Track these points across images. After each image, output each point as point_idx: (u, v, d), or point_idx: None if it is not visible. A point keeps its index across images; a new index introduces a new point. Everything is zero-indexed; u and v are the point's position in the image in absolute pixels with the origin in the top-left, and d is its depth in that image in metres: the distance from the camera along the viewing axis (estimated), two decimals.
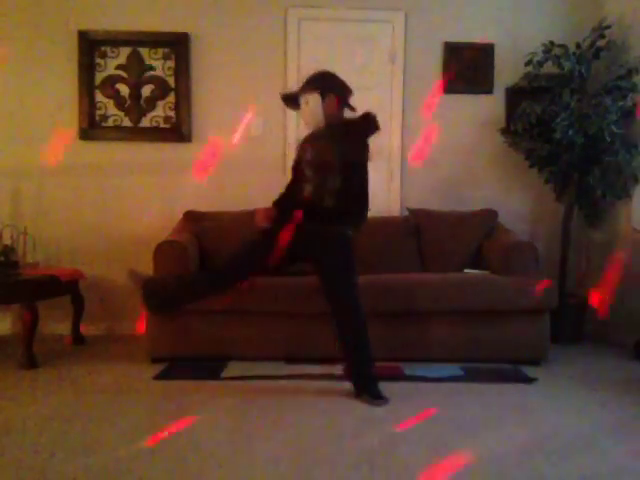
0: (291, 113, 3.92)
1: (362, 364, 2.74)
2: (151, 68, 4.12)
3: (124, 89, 4.13)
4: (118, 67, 4.12)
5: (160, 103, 4.15)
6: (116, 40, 4.09)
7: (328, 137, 2.73)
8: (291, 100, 2.88)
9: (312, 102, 2.77)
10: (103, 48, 4.10)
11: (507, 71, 4.17)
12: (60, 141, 4.08)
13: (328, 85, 2.82)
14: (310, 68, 4.13)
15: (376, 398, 2.65)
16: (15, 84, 4.08)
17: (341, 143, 2.70)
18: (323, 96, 2.77)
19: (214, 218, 3.77)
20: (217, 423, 2.41)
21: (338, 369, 3.04)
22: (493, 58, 4.20)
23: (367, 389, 2.70)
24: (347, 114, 2.89)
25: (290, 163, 4.17)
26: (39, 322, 3.27)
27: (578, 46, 3.88)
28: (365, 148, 2.80)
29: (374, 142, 4.25)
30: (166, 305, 2.99)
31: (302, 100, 2.81)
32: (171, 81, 4.13)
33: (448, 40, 4.19)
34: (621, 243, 3.90)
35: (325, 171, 2.68)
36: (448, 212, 3.98)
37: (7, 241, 3.70)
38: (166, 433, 2.26)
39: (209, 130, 4.11)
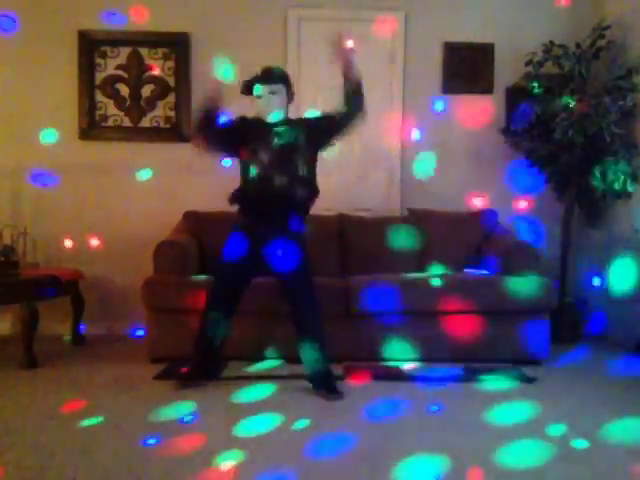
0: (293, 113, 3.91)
1: (325, 360, 2.82)
2: (151, 68, 4.13)
3: (124, 89, 4.14)
4: (118, 67, 4.12)
5: (160, 103, 4.15)
6: (116, 40, 4.09)
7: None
8: (247, 87, 2.91)
9: (280, 95, 2.86)
10: (103, 48, 4.10)
11: (507, 71, 4.16)
12: (60, 141, 4.09)
13: (289, 86, 2.93)
14: (310, 68, 4.19)
15: (332, 392, 2.74)
16: (15, 84, 4.08)
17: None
18: (286, 93, 2.90)
19: (214, 218, 3.77)
20: (217, 423, 2.41)
21: (338, 369, 3.05)
22: (493, 58, 4.20)
23: (326, 384, 2.78)
24: None
25: None
26: (39, 322, 3.27)
27: (578, 46, 3.88)
28: None
29: (375, 142, 4.26)
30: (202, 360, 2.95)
31: (268, 88, 2.84)
32: (171, 81, 4.14)
33: (448, 40, 4.19)
34: (621, 243, 3.90)
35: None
36: (448, 212, 3.97)
37: (7, 241, 3.70)
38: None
39: None
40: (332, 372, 2.85)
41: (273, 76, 2.86)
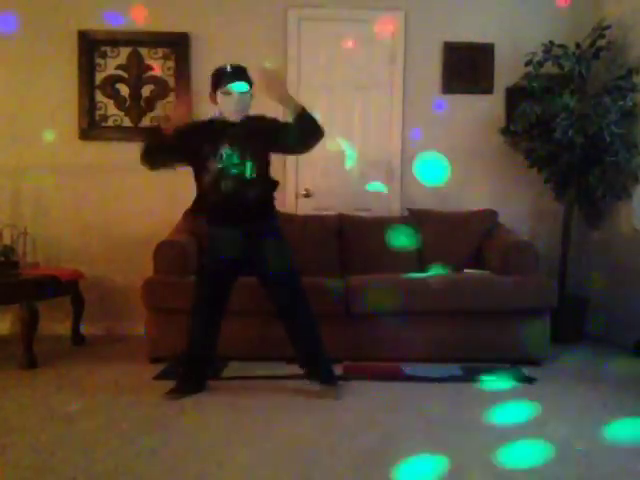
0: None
1: (323, 351, 2.84)
2: (151, 68, 4.13)
3: (124, 89, 4.14)
4: (118, 67, 4.12)
5: (160, 103, 4.15)
6: (116, 40, 4.09)
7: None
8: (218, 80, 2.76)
9: (250, 96, 2.75)
10: (103, 48, 4.10)
11: (507, 71, 4.17)
12: (60, 141, 4.09)
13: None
14: (310, 68, 4.20)
15: (330, 383, 2.79)
16: (15, 84, 4.09)
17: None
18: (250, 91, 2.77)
19: None
20: (217, 423, 2.41)
21: (338, 369, 3.06)
22: (493, 58, 4.20)
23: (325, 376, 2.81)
24: None
25: (289, 163, 4.21)
26: (39, 322, 3.27)
27: (578, 46, 3.88)
28: None
29: (375, 142, 4.24)
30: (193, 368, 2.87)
31: (238, 89, 2.70)
32: (171, 81, 4.14)
33: (448, 40, 4.19)
34: (621, 243, 3.90)
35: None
36: (448, 212, 3.98)
37: (7, 241, 3.70)
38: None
39: None
40: (329, 362, 2.85)
41: (247, 76, 2.74)
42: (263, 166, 2.79)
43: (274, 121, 2.82)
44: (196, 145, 2.74)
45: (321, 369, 2.83)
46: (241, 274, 2.90)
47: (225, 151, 2.71)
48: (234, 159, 2.70)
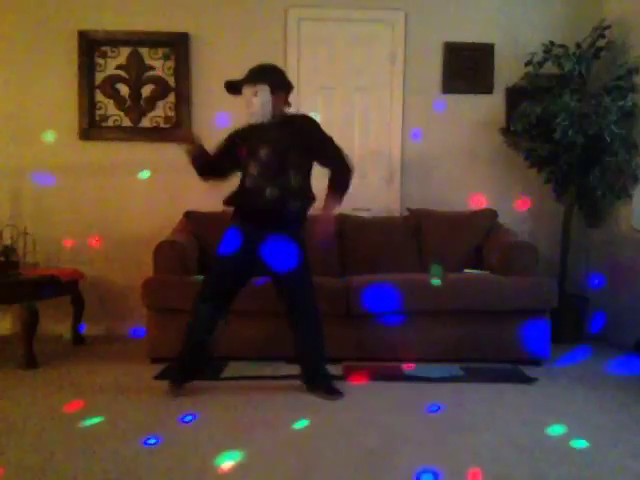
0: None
1: (322, 360, 2.86)
2: (151, 68, 4.13)
3: (124, 89, 4.14)
4: (118, 67, 4.12)
5: (160, 103, 4.15)
6: (116, 40, 4.09)
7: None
8: (233, 87, 2.79)
9: (262, 95, 2.71)
10: (103, 48, 4.11)
11: (507, 71, 4.17)
12: (60, 141, 4.09)
13: (278, 81, 2.79)
14: (310, 68, 4.20)
15: (332, 393, 2.74)
16: (15, 84, 4.09)
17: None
18: (273, 91, 2.74)
19: (214, 218, 3.77)
20: (217, 423, 2.41)
21: (338, 369, 3.06)
22: (493, 58, 4.20)
23: (324, 385, 2.79)
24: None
25: None
26: (39, 322, 3.27)
27: (578, 46, 3.88)
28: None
29: (375, 142, 4.25)
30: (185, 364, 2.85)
31: (249, 90, 2.72)
32: (171, 81, 4.14)
33: (448, 40, 4.19)
34: (621, 243, 3.90)
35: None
36: (448, 212, 3.98)
37: (7, 241, 3.70)
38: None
39: (209, 130, 4.10)
40: (329, 373, 2.87)
41: (252, 77, 2.73)
42: (301, 177, 2.79)
43: (320, 142, 2.82)
44: (236, 151, 2.80)
45: (318, 377, 2.82)
46: (255, 275, 2.90)
47: (264, 153, 2.72)
48: (270, 169, 2.70)
